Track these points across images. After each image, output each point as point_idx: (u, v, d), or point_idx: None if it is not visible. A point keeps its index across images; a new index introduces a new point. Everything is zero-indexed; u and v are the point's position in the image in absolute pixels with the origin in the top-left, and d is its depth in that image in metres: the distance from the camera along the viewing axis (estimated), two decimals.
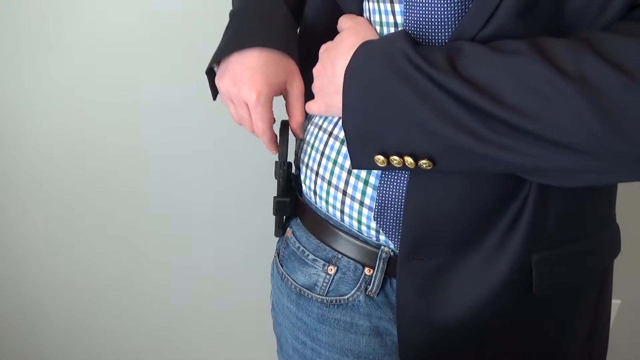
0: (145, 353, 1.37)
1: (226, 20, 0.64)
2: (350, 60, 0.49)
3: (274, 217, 0.68)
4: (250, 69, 0.58)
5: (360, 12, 0.55)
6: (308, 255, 0.62)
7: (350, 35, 0.52)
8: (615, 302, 1.35)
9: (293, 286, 0.63)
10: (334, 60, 0.53)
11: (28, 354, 1.34)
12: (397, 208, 0.53)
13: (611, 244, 0.61)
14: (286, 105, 0.62)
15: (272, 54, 0.58)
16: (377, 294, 0.59)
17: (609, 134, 0.38)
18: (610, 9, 0.42)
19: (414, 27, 0.48)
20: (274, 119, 0.61)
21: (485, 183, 0.50)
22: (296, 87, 0.60)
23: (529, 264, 0.53)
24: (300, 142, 0.65)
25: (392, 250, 0.57)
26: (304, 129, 0.64)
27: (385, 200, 0.54)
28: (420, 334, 0.57)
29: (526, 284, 0.54)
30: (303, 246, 0.63)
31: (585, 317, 0.62)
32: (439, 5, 0.46)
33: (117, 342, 1.35)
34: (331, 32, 0.57)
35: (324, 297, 0.60)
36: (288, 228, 0.67)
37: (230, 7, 0.66)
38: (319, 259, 0.61)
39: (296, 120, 0.61)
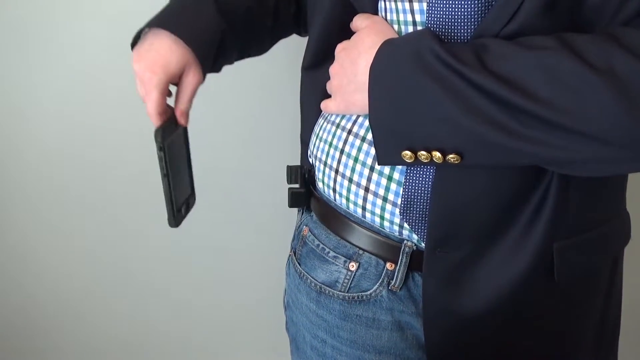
0: (148, 348, 1.35)
1: None
2: (375, 58, 0.49)
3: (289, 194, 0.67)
4: (154, 51, 0.59)
5: (375, 12, 0.56)
6: (328, 252, 0.62)
7: (370, 34, 0.53)
8: None
9: (313, 284, 0.63)
10: (355, 59, 0.53)
11: (27, 346, 1.32)
12: (424, 202, 0.54)
13: (623, 230, 0.63)
14: (176, 94, 0.62)
15: (179, 43, 0.59)
16: (400, 289, 0.59)
17: (637, 125, 0.40)
18: (629, 6, 0.44)
19: (437, 25, 0.49)
20: (167, 106, 0.61)
21: (509, 175, 0.51)
22: (191, 76, 0.60)
23: (550, 252, 0.54)
24: (314, 139, 0.66)
25: (415, 244, 0.58)
26: (320, 126, 0.64)
27: (411, 195, 0.54)
28: (446, 325, 0.57)
29: (548, 271, 0.55)
30: (323, 243, 0.63)
31: (598, 304, 0.63)
32: (462, 1, 0.47)
33: (118, 335, 1.33)
34: (343, 33, 0.58)
35: (346, 294, 0.61)
36: (304, 226, 0.67)
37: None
38: (340, 256, 0.61)
39: (180, 108, 0.61)
